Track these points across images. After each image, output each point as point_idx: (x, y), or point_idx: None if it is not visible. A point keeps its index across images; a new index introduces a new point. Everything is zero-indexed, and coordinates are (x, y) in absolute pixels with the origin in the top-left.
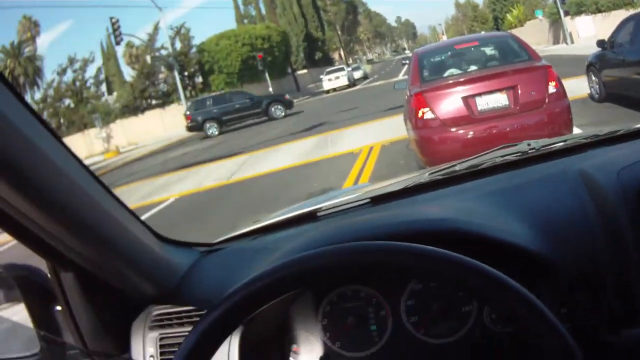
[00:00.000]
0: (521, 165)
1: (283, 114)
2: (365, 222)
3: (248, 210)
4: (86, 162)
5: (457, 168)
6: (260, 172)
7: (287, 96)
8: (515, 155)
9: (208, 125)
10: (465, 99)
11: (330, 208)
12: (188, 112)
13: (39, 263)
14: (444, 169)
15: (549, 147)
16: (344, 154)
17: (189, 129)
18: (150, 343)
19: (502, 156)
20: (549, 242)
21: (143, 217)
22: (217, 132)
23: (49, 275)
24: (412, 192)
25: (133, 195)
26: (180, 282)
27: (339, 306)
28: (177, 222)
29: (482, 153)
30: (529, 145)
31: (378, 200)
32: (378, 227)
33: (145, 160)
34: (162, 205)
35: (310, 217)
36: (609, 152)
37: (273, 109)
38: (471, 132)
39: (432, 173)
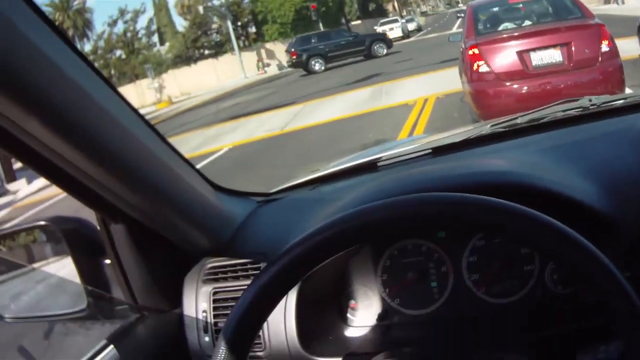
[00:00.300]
0: (583, 120)
1: (385, 51)
2: (426, 173)
3: (304, 159)
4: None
5: (518, 121)
6: (314, 122)
7: (389, 35)
8: (576, 110)
9: (313, 61)
10: (519, 54)
11: (390, 158)
12: (292, 49)
13: (89, 215)
14: (506, 121)
15: (610, 104)
16: (399, 105)
17: (293, 65)
18: (204, 297)
19: (563, 111)
20: (612, 199)
21: (197, 166)
22: (323, 68)
23: (98, 228)
24: (474, 144)
25: (185, 145)
26: (235, 233)
27: (400, 261)
28: (231, 172)
29: (543, 107)
30: (590, 101)
31: (439, 151)
32: (440, 179)
33: (198, 110)
34: (215, 155)
35: (370, 167)
36: None
37: (376, 47)
38: (525, 87)
39: (494, 125)
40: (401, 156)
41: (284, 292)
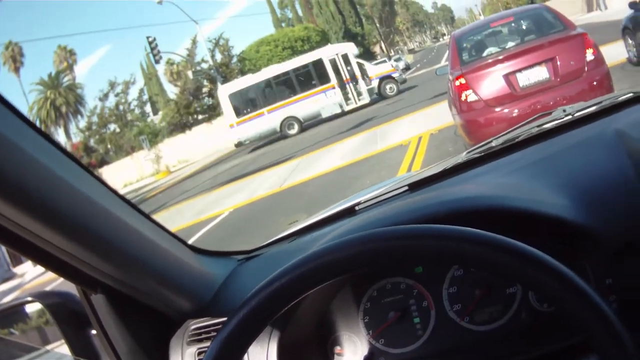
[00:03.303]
0: (558, 132)
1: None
2: (399, 208)
3: (305, 214)
4: (137, 185)
5: (493, 144)
6: (312, 175)
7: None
8: (551, 123)
9: None
10: (506, 77)
11: (368, 201)
12: None
13: (73, 288)
14: (481, 146)
15: (584, 110)
16: (394, 147)
17: None
18: (189, 359)
19: (538, 126)
20: (589, 209)
21: (200, 232)
22: None
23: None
24: (451, 174)
25: (188, 212)
26: (217, 293)
27: (380, 301)
28: (234, 234)
29: (518, 125)
30: (564, 111)
31: (416, 186)
32: (410, 212)
33: (197, 176)
34: (218, 219)
35: (349, 212)
36: None
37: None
38: (516, 110)
39: (469, 152)
40: (379, 197)
41: (248, 342)
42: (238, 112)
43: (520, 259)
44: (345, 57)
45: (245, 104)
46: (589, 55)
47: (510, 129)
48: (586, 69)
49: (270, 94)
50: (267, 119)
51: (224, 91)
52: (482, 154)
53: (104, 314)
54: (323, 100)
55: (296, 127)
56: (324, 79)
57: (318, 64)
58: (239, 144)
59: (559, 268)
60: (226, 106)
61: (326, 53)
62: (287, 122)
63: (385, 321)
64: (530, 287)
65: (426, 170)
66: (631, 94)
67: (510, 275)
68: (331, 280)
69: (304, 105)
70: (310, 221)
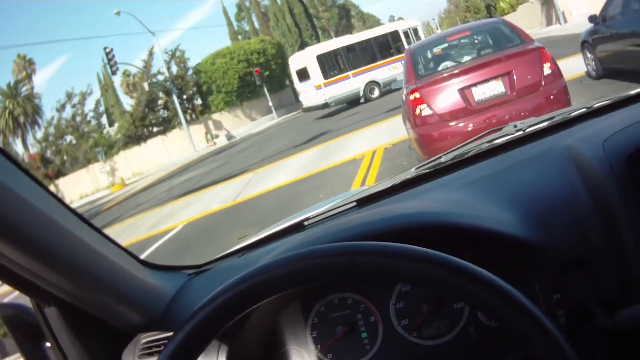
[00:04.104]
0: (509, 148)
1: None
2: (346, 224)
3: (257, 228)
4: (93, 197)
5: (443, 160)
6: (266, 189)
7: None
8: (502, 139)
9: None
10: (461, 91)
11: (317, 216)
12: None
13: (28, 300)
14: (430, 162)
15: (536, 126)
16: (348, 162)
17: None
18: None
19: (488, 142)
20: (537, 225)
21: (154, 246)
22: None
23: None
24: (400, 190)
25: (142, 225)
26: (167, 307)
27: (328, 316)
28: (188, 248)
29: (468, 141)
30: (515, 127)
31: (364, 202)
32: (355, 228)
33: (151, 189)
34: (172, 233)
35: (298, 227)
36: (596, 123)
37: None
38: (471, 125)
39: (419, 168)
40: (327, 212)
41: (194, 357)
42: (325, 74)
43: (458, 275)
44: (416, 31)
45: (332, 66)
46: (547, 69)
47: (460, 145)
48: (543, 83)
49: (354, 59)
50: (353, 82)
51: (312, 52)
52: (432, 170)
53: (57, 327)
54: (400, 68)
55: (377, 92)
56: (400, 49)
57: (395, 34)
58: (325, 105)
59: (499, 284)
60: (314, 67)
61: (401, 26)
62: (370, 86)
63: (334, 336)
64: (471, 303)
65: (376, 186)
66: (584, 110)
67: (449, 292)
68: (273, 296)
69: (383, 72)
70: (260, 236)
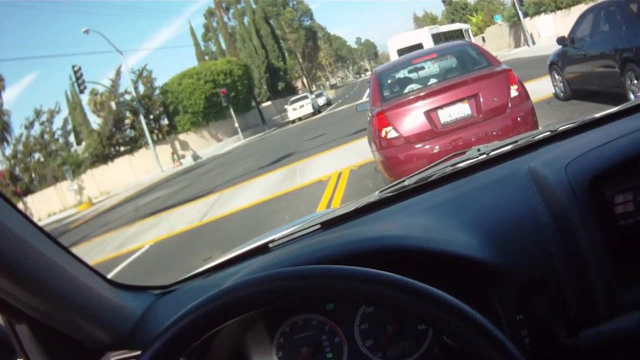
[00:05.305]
0: (472, 171)
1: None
2: (307, 247)
3: (223, 249)
4: (61, 215)
5: (406, 183)
6: (231, 209)
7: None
8: (465, 162)
9: None
10: (427, 114)
11: (281, 238)
12: None
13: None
14: (394, 185)
15: (500, 149)
16: (313, 183)
17: None
18: None
19: (452, 165)
20: (498, 248)
21: (120, 266)
22: None
23: None
24: (363, 213)
25: (109, 245)
26: (134, 326)
27: (292, 337)
28: (154, 268)
29: (432, 165)
30: (478, 150)
31: (328, 224)
32: (317, 251)
33: (118, 208)
34: (138, 253)
35: (262, 249)
36: (559, 147)
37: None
38: (437, 147)
39: (382, 191)
40: (292, 234)
41: None
42: None
43: (416, 297)
44: (467, 31)
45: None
46: (513, 91)
47: (423, 169)
48: (510, 105)
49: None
50: None
51: (394, 46)
52: (395, 193)
53: (28, 343)
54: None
55: None
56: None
57: (460, 31)
58: None
59: (457, 305)
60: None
61: (463, 26)
62: None
63: (299, 356)
64: (430, 325)
65: (340, 208)
66: (548, 132)
67: (408, 314)
68: (237, 317)
69: None
70: (226, 257)
